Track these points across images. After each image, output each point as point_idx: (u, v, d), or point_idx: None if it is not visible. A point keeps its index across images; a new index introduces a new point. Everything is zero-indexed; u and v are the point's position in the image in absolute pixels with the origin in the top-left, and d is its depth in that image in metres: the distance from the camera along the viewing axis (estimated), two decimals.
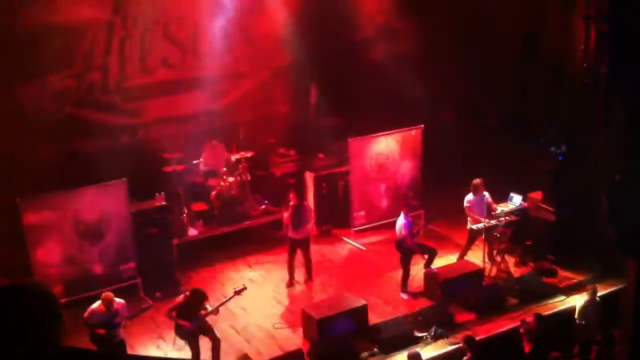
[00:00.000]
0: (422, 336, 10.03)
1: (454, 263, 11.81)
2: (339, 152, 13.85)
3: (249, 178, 13.41)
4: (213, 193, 13.03)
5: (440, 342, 9.98)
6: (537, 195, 12.58)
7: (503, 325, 10.43)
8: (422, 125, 13.61)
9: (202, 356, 9.32)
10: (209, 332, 9.39)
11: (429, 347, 9.86)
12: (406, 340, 9.90)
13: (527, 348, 9.30)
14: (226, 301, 9.62)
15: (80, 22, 12.52)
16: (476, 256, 11.82)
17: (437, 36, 14.36)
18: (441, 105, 15.45)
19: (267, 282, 12.02)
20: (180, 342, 9.45)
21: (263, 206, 13.59)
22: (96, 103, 13.30)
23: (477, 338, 9.55)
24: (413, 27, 14.16)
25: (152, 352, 9.85)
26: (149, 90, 13.69)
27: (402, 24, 14.46)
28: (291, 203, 11.58)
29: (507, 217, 11.58)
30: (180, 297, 9.38)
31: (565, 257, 11.87)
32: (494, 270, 11.62)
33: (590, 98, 12.13)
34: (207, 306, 9.30)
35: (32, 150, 12.04)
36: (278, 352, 9.76)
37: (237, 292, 9.59)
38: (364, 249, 13.19)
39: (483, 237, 11.63)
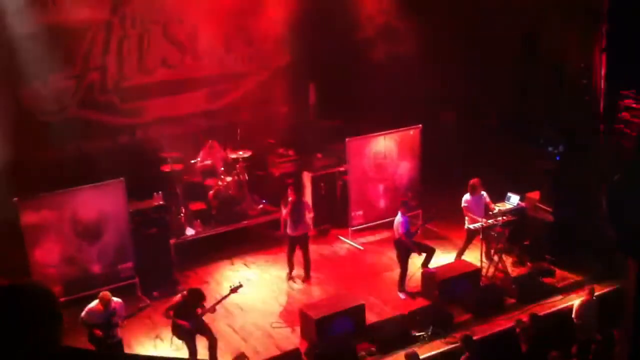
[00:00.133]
0: (420, 336, 10.03)
1: (452, 263, 11.82)
2: (337, 152, 13.85)
3: (247, 178, 13.41)
4: (211, 193, 13.03)
5: (437, 341, 9.98)
6: (535, 195, 12.59)
7: (501, 325, 10.43)
8: (421, 125, 13.61)
9: (199, 355, 9.31)
10: (206, 331, 9.39)
11: (427, 347, 9.85)
12: (404, 340, 9.90)
13: (523, 347, 9.33)
14: (222, 299, 9.63)
15: (79, 22, 12.52)
16: (474, 256, 11.83)
17: (437, 36, 14.34)
18: (441, 105, 15.47)
19: (264, 281, 12.03)
20: (178, 342, 9.45)
21: (261, 206, 13.58)
22: (95, 103, 13.31)
23: (475, 338, 9.55)
24: (413, 27, 14.15)
25: (150, 351, 9.87)
26: (148, 90, 13.70)
27: (402, 24, 14.44)
28: (290, 199, 11.59)
29: (504, 217, 11.59)
30: (178, 297, 9.40)
31: (563, 257, 11.87)
32: (492, 270, 11.63)
33: (590, 98, 12.16)
34: (204, 305, 9.30)
35: (31, 150, 12.04)
36: (275, 352, 9.76)
37: (233, 290, 9.63)
38: (361, 248, 13.19)
39: (480, 236, 11.64)
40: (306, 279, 11.95)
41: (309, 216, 11.91)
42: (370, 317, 10.38)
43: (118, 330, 9.15)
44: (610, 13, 12.45)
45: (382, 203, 13.63)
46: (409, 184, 13.73)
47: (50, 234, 10.73)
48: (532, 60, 14.37)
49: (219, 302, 9.55)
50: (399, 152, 13.62)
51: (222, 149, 13.48)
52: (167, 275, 11.70)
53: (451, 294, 10.91)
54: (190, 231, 12.71)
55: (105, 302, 8.93)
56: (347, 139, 13.01)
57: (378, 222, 13.51)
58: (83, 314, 8.97)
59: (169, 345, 9.66)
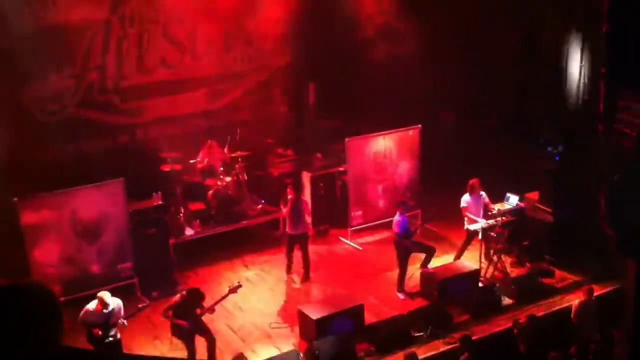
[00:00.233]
0: (419, 336, 10.03)
1: (451, 263, 11.81)
2: (337, 152, 13.84)
3: (246, 178, 13.40)
4: (210, 193, 13.02)
5: (436, 342, 9.97)
6: (534, 195, 12.59)
7: (500, 325, 10.43)
8: (420, 125, 13.61)
9: (198, 355, 9.31)
10: (205, 331, 9.38)
11: (426, 347, 9.85)
12: (403, 340, 9.90)
13: (521, 348, 9.33)
14: (221, 299, 9.61)
15: (78, 22, 12.51)
16: (473, 256, 11.83)
17: (437, 36, 14.35)
18: (441, 105, 15.46)
19: (263, 281, 12.02)
20: (177, 342, 9.44)
21: (260, 206, 13.58)
22: (95, 103, 13.30)
23: (474, 338, 9.55)
24: (413, 27, 14.15)
25: (149, 351, 9.84)
26: (147, 90, 13.69)
27: (402, 24, 14.44)
28: (289, 197, 11.59)
29: (503, 218, 11.58)
30: (177, 297, 9.39)
31: (562, 257, 11.87)
32: (491, 270, 11.62)
33: (590, 98, 12.16)
34: (203, 305, 9.30)
35: (31, 150, 12.03)
36: (274, 352, 9.76)
37: (232, 290, 9.61)
38: (360, 248, 13.19)
39: (480, 237, 11.63)
40: (305, 279, 11.94)
41: (308, 216, 11.92)
42: (369, 318, 10.37)
43: (117, 330, 9.14)
44: (610, 13, 12.44)
45: (381, 203, 13.62)
46: (409, 184, 13.73)
47: (49, 234, 10.72)
48: (532, 60, 14.37)
49: (218, 302, 9.54)
50: (399, 152, 13.62)
51: (223, 149, 13.49)
52: (166, 276, 11.70)
53: (450, 294, 10.90)
54: (189, 231, 12.70)
55: (104, 303, 8.92)
56: (346, 139, 13.00)
57: (377, 222, 13.50)
58: (82, 314, 8.95)
59: (168, 345, 9.64)
